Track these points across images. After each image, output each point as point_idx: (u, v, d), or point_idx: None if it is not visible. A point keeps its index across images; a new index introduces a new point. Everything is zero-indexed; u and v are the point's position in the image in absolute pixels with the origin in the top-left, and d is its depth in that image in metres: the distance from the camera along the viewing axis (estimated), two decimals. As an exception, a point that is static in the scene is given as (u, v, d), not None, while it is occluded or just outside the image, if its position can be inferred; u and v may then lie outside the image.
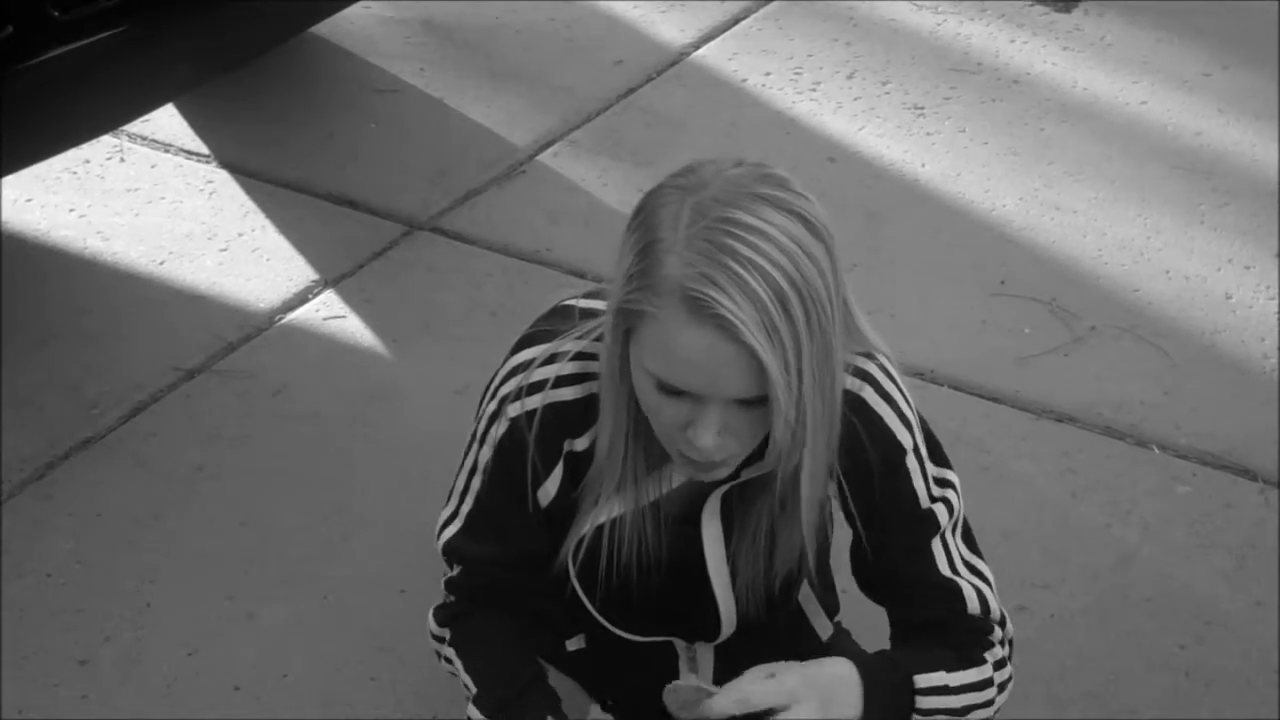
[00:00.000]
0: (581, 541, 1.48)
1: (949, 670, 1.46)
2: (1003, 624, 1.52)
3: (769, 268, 1.23)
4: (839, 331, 1.29)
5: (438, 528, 1.58)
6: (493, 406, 1.47)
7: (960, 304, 2.84)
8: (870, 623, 1.97)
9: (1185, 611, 2.21)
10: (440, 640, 1.60)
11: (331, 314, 2.81)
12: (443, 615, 1.59)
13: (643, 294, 1.26)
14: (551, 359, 1.45)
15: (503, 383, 1.47)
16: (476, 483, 1.51)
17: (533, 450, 1.44)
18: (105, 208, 3.09)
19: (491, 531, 1.52)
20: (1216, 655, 2.14)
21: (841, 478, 1.45)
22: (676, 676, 1.62)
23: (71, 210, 3.08)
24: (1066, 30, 3.73)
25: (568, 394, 1.44)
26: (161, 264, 2.93)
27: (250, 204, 3.11)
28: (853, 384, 1.43)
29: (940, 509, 1.49)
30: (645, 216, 1.30)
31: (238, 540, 2.34)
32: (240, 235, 3.02)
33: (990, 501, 2.39)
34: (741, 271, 1.22)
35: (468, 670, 1.55)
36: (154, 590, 2.25)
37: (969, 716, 1.48)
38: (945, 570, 1.50)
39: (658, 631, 1.60)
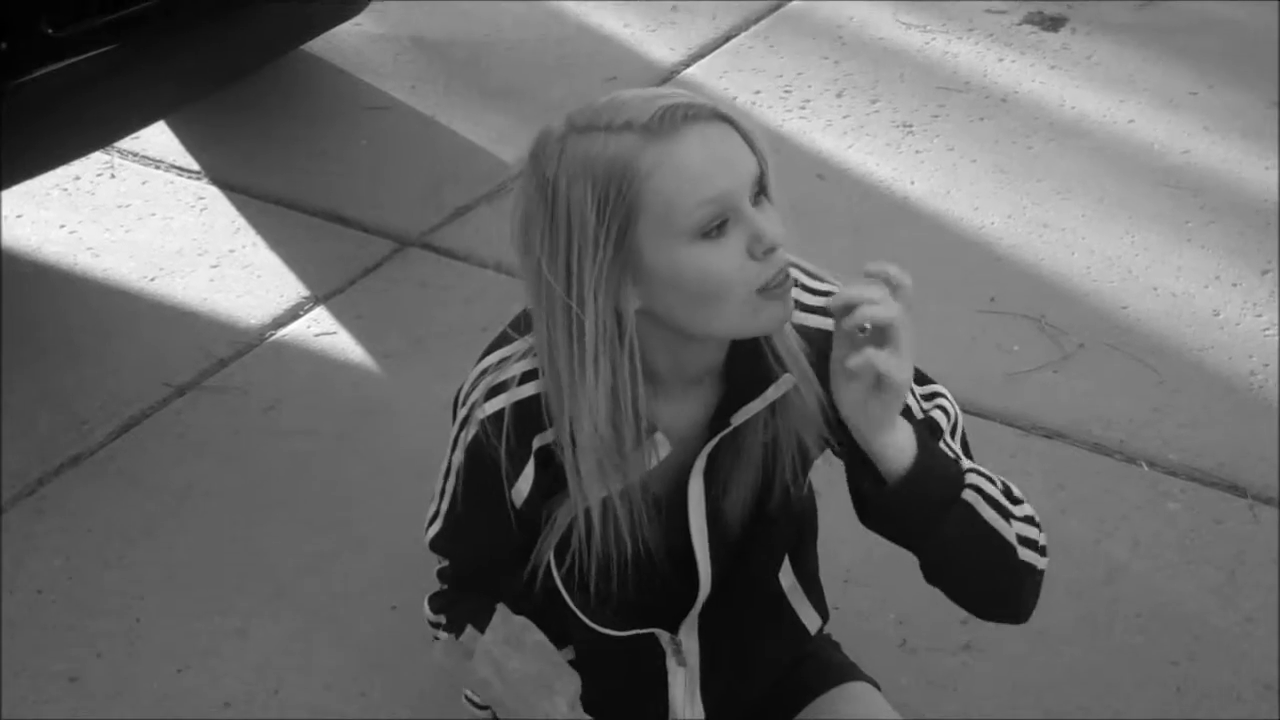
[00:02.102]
0: (563, 533, 1.49)
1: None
2: (1023, 502, 1.49)
3: (660, 89, 1.33)
4: None
5: (425, 524, 1.64)
6: (463, 413, 1.50)
7: (949, 321, 2.86)
8: (864, 633, 1.98)
9: (1175, 627, 2.21)
10: (436, 625, 1.67)
11: (322, 330, 2.81)
12: (437, 603, 1.67)
13: (625, 185, 1.28)
14: (513, 359, 1.47)
15: (471, 390, 1.49)
16: (450, 485, 1.56)
17: (503, 450, 1.46)
18: (96, 224, 3.09)
19: (466, 531, 1.58)
20: (1207, 670, 2.14)
21: (834, 417, 1.42)
22: (664, 674, 1.62)
23: (62, 226, 3.08)
24: (1054, 49, 3.75)
25: (529, 389, 1.45)
26: (152, 280, 2.93)
27: (241, 220, 3.11)
28: (827, 323, 1.42)
29: (937, 414, 1.49)
30: (554, 185, 1.30)
31: (228, 556, 2.33)
32: (231, 251, 3.02)
33: (980, 517, 2.39)
34: (650, 91, 1.31)
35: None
36: (144, 606, 2.25)
37: (1001, 529, 1.43)
38: (956, 452, 1.48)
39: (641, 620, 1.59)
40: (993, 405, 2.63)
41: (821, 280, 1.48)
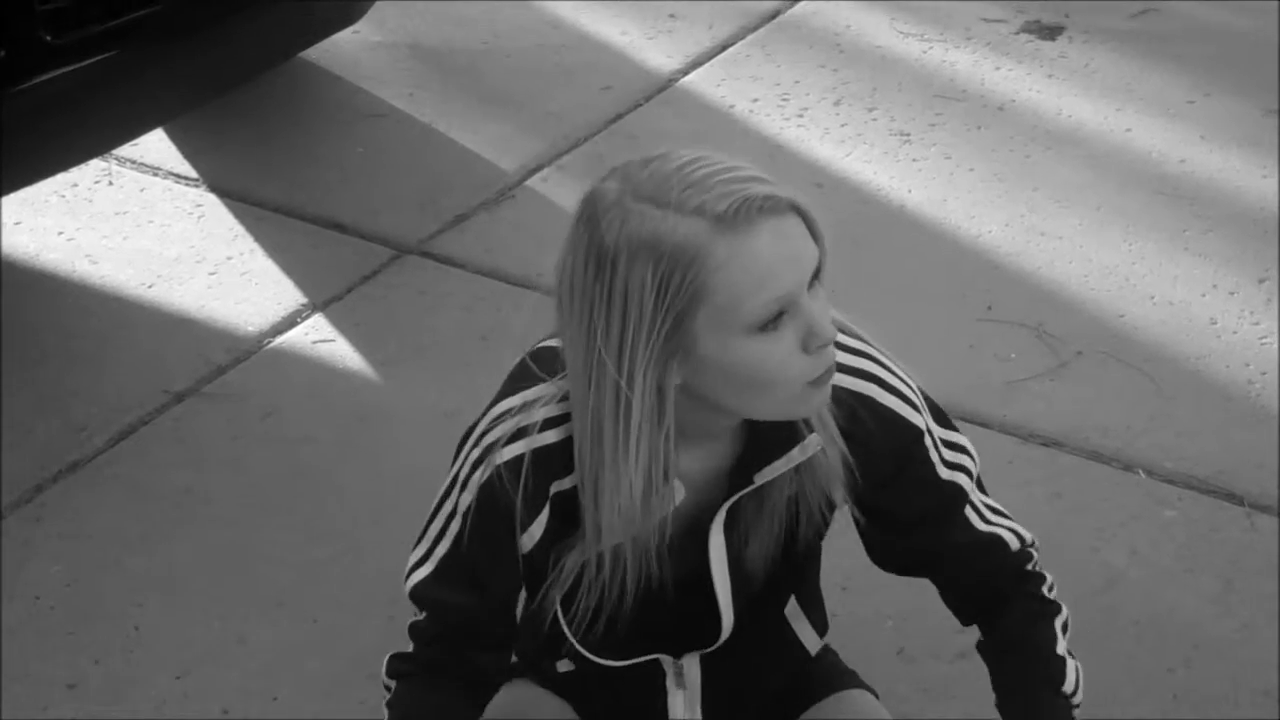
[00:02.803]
0: (571, 577, 1.46)
1: (1058, 650, 1.55)
2: (1034, 544, 1.59)
3: (732, 161, 1.28)
4: None
5: (406, 569, 1.55)
6: (476, 453, 1.45)
7: (946, 329, 2.86)
8: (862, 641, 1.98)
9: (1172, 635, 2.22)
10: (386, 689, 1.57)
11: (320, 337, 2.81)
12: (394, 666, 1.56)
13: (691, 271, 1.24)
14: (531, 404, 1.44)
15: (487, 430, 1.45)
16: (455, 526, 1.48)
17: (520, 495, 1.42)
18: (94, 231, 3.09)
19: (465, 577, 1.49)
20: (1204, 678, 2.15)
21: (856, 472, 1.45)
22: (664, 693, 1.62)
23: (60, 233, 3.08)
24: (1051, 58, 3.76)
25: (551, 437, 1.42)
26: (150, 287, 2.94)
27: (239, 228, 3.12)
28: (857, 385, 1.43)
29: (960, 477, 1.51)
30: (616, 252, 1.27)
31: (227, 563, 2.33)
32: (229, 259, 3.02)
33: (978, 525, 2.40)
34: (724, 169, 1.27)
35: None
36: (143, 613, 2.25)
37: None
38: (981, 526, 1.53)
39: (647, 651, 1.60)
40: (990, 413, 2.63)
41: (854, 338, 1.47)
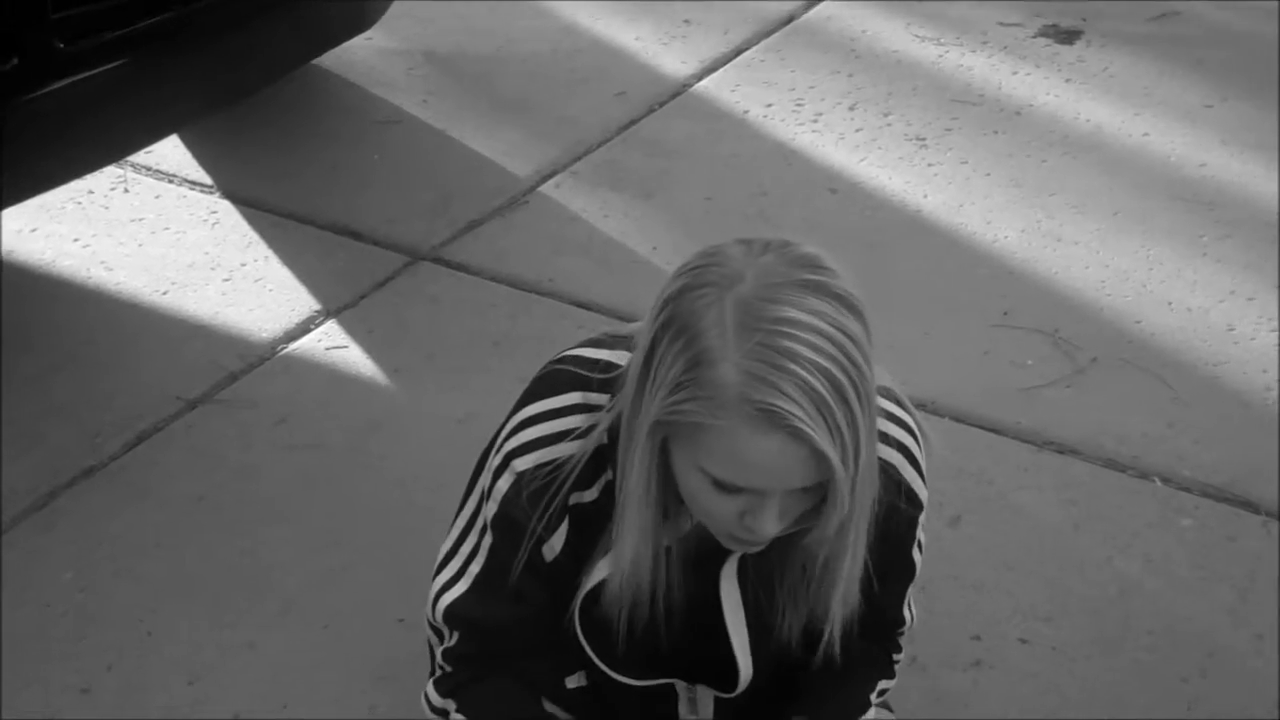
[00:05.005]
0: (590, 593, 1.47)
1: (871, 697, 1.62)
2: (912, 624, 1.66)
3: (827, 363, 1.21)
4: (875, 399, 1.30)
5: (433, 594, 1.54)
6: (498, 461, 1.45)
7: (962, 335, 2.85)
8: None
9: (1187, 644, 2.20)
10: (443, 713, 1.56)
11: (334, 344, 2.81)
12: (445, 686, 1.56)
13: (698, 405, 1.24)
14: (555, 413, 1.44)
15: (509, 437, 1.45)
16: (487, 541, 1.48)
17: (539, 505, 1.42)
18: (109, 238, 3.10)
19: (503, 590, 1.49)
20: (1218, 688, 2.13)
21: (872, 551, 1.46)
22: (675, 715, 1.62)
23: (76, 240, 3.09)
24: (1069, 62, 3.74)
25: (573, 448, 1.42)
26: (165, 294, 2.94)
27: (253, 234, 3.12)
28: (887, 453, 1.42)
29: (920, 561, 1.55)
30: (683, 320, 1.25)
31: (239, 570, 2.33)
32: (243, 265, 3.03)
33: (992, 533, 2.38)
34: (804, 374, 1.21)
35: None
36: (155, 619, 2.25)
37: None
38: (903, 607, 1.61)
39: (663, 675, 1.60)
40: (1005, 420, 2.62)
41: (896, 403, 1.47)
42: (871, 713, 1.59)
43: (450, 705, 1.55)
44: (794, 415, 1.21)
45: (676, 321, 1.26)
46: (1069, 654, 2.18)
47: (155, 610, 2.27)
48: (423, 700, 1.58)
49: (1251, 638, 2.20)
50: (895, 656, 1.65)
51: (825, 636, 1.46)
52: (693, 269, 1.28)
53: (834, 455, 1.23)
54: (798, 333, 1.21)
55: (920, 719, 2.04)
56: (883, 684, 1.62)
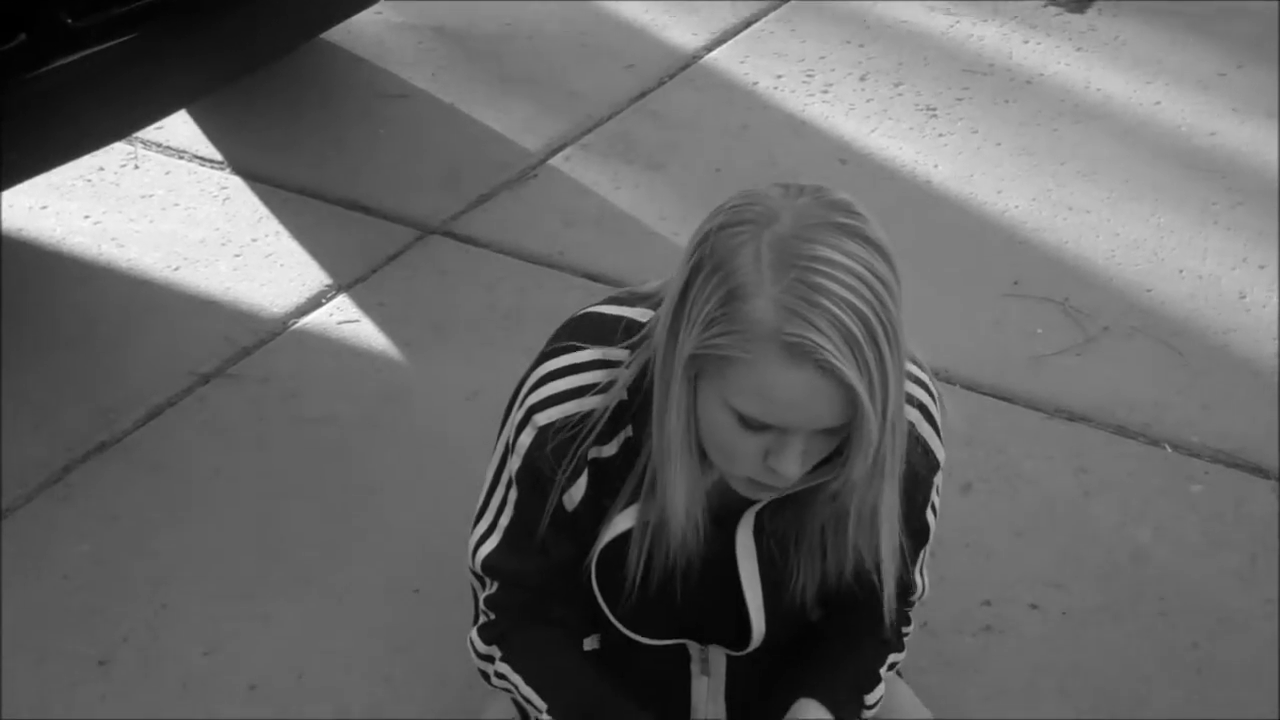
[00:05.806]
0: (607, 547, 1.48)
1: (880, 670, 1.60)
2: (924, 595, 1.63)
3: (859, 303, 1.23)
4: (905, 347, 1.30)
5: (472, 546, 1.56)
6: (520, 415, 1.47)
7: (973, 304, 2.85)
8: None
9: (1197, 609, 2.20)
10: (488, 659, 1.58)
11: (345, 318, 2.82)
12: (489, 634, 1.57)
13: (731, 339, 1.25)
14: (576, 368, 1.45)
15: (530, 392, 1.47)
16: (513, 494, 1.50)
17: (562, 459, 1.44)
18: (120, 214, 3.11)
19: (532, 541, 1.51)
20: (1228, 653, 2.14)
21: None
22: (688, 677, 1.63)
23: (86, 217, 3.10)
24: (1080, 31, 3.72)
25: (593, 402, 1.43)
26: (176, 270, 2.95)
27: (264, 210, 3.13)
28: (907, 411, 1.41)
29: (933, 524, 1.55)
30: (719, 256, 1.27)
31: (253, 542, 2.35)
32: (254, 241, 3.04)
33: (1003, 500, 2.39)
34: (836, 310, 1.22)
35: (531, 684, 1.54)
36: (170, 591, 2.27)
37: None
38: (915, 572, 1.58)
39: (677, 636, 1.60)
40: (1016, 388, 2.62)
41: (917, 365, 1.48)
42: (881, 687, 1.59)
43: (495, 652, 1.57)
44: (824, 349, 1.22)
45: (714, 257, 1.27)
46: (1079, 619, 2.19)
47: (170, 582, 2.28)
48: (468, 645, 1.60)
49: (1261, 602, 2.21)
50: (905, 629, 1.65)
51: (882, 590, 1.47)
52: (731, 207, 1.30)
53: (862, 391, 1.24)
54: (833, 271, 1.23)
55: (929, 683, 2.04)
56: (892, 658, 1.62)
